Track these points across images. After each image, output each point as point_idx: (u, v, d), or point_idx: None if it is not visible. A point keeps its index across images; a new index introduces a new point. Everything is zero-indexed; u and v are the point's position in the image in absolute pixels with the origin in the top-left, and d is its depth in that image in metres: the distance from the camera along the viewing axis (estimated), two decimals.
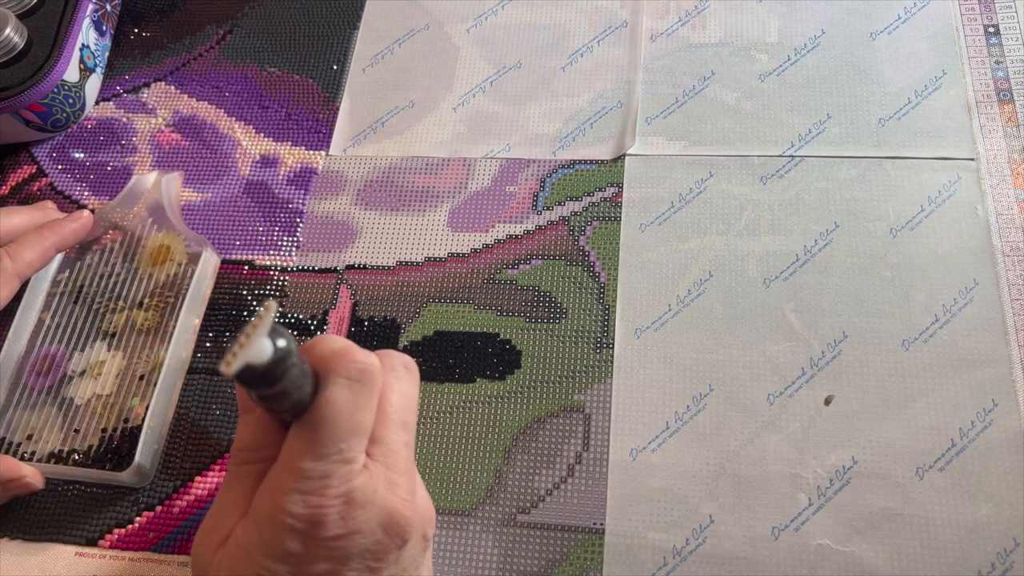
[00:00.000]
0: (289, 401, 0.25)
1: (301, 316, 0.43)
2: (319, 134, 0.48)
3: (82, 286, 0.44)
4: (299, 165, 0.47)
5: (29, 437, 0.40)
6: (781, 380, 0.38)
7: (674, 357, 0.39)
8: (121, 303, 0.43)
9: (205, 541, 0.27)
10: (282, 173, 0.47)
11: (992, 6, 0.46)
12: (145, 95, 0.51)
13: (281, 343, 0.23)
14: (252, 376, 0.23)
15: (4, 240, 0.42)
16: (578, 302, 0.41)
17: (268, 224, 0.45)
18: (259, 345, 0.22)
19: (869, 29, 0.46)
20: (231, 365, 0.22)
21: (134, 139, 0.49)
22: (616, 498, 0.36)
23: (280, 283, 0.44)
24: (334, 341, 0.27)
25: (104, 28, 0.51)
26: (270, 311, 0.22)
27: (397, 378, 0.29)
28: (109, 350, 0.42)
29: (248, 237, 0.45)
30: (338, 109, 0.49)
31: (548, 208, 0.44)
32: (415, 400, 0.29)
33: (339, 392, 0.25)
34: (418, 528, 0.27)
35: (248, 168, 0.47)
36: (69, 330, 0.42)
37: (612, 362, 0.39)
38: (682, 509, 0.36)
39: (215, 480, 0.39)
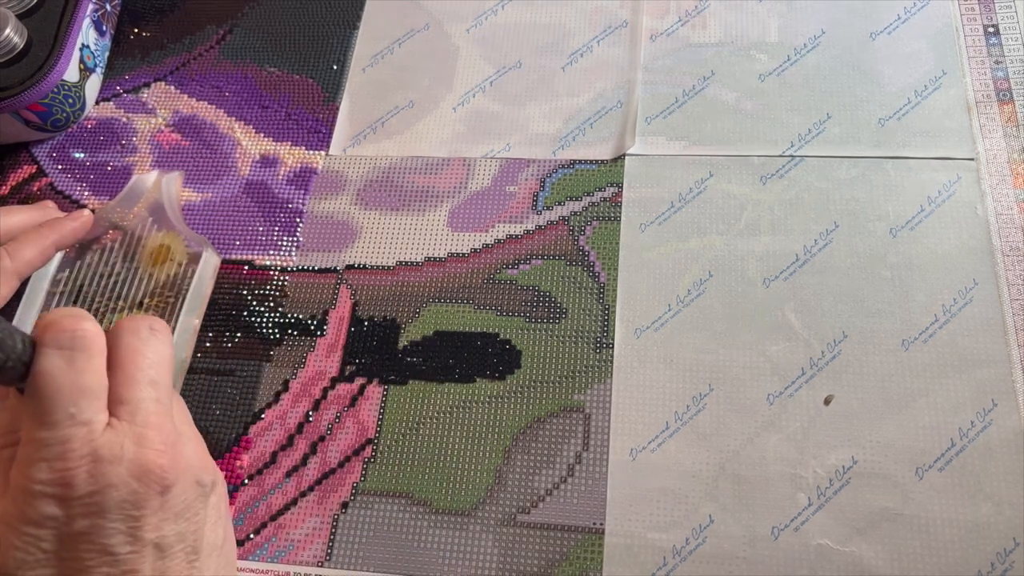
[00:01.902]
0: (6, 379, 0.26)
1: (301, 316, 0.43)
2: (319, 134, 0.48)
3: (82, 286, 0.44)
4: (299, 165, 0.47)
5: None
6: (781, 380, 0.38)
7: (674, 357, 0.39)
8: (121, 303, 0.43)
9: None
10: (282, 173, 0.47)
11: (992, 6, 0.46)
12: (145, 95, 0.51)
13: None
14: None
15: (4, 239, 0.42)
16: (578, 302, 0.41)
17: (268, 224, 0.45)
18: None
19: (869, 29, 0.46)
20: None
21: (134, 139, 0.49)
22: (616, 498, 0.36)
23: (280, 283, 0.44)
24: (53, 312, 0.28)
25: (104, 28, 0.51)
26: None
27: (142, 339, 0.30)
28: None
29: (248, 237, 0.45)
30: (338, 109, 0.49)
31: (548, 208, 0.44)
32: (166, 358, 0.30)
33: (50, 362, 0.27)
34: (182, 475, 0.28)
35: (248, 168, 0.47)
36: None
37: (612, 362, 0.39)
38: (682, 509, 0.36)
39: None
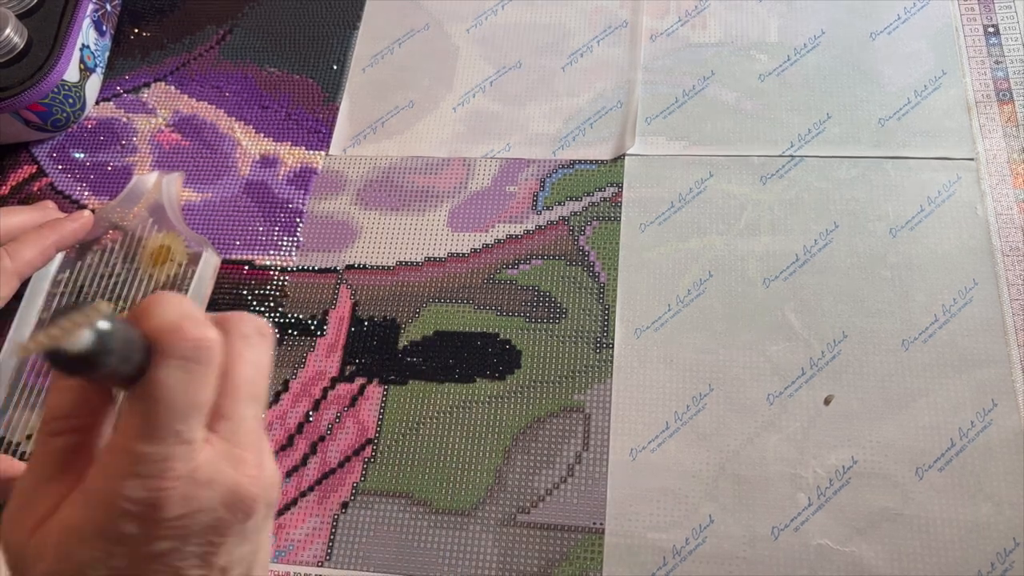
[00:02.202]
0: (115, 379, 0.24)
1: (301, 316, 0.43)
2: (319, 134, 0.48)
3: (82, 286, 0.44)
4: (299, 165, 0.47)
5: (29, 437, 0.40)
6: (781, 380, 0.38)
7: (674, 357, 0.39)
8: (121, 303, 0.43)
9: (16, 523, 0.25)
10: (282, 173, 0.47)
11: (992, 6, 0.46)
12: (145, 95, 0.51)
13: (106, 327, 0.22)
14: (64, 361, 0.21)
15: (4, 239, 0.42)
16: (578, 302, 0.41)
17: (268, 224, 0.45)
18: (76, 335, 0.21)
19: (869, 29, 0.46)
20: (29, 349, 0.20)
21: (134, 139, 0.49)
22: (616, 498, 0.36)
23: (280, 283, 0.44)
24: (167, 310, 0.25)
25: (104, 28, 0.51)
26: (99, 313, 0.21)
27: (249, 346, 0.27)
28: None
29: (248, 237, 0.45)
30: (338, 109, 0.49)
31: (548, 208, 0.44)
32: (267, 368, 0.28)
33: (171, 374, 0.24)
34: (263, 501, 0.26)
35: (248, 168, 0.47)
36: None
37: (612, 362, 0.39)
38: (682, 509, 0.36)
39: None
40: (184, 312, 0.25)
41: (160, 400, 0.24)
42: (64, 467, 0.26)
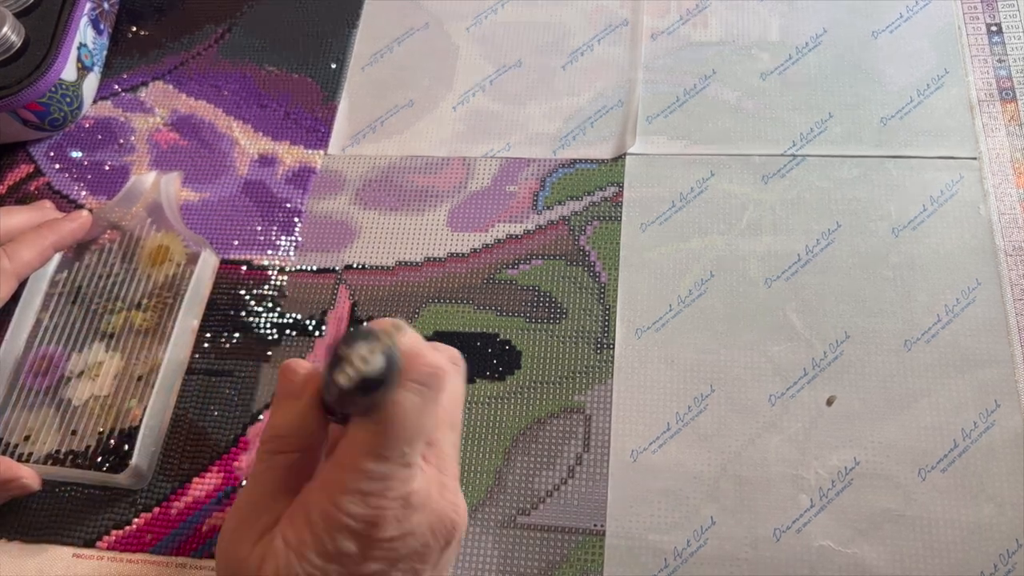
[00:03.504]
0: (366, 404, 0.25)
1: (299, 316, 0.42)
2: (318, 133, 0.48)
3: (80, 286, 0.43)
4: (298, 164, 0.47)
5: (26, 438, 0.40)
6: (783, 380, 0.38)
7: (675, 357, 0.39)
8: (119, 304, 0.43)
9: (238, 537, 0.26)
10: (281, 172, 0.47)
11: (994, 4, 0.46)
12: (143, 94, 0.50)
13: (393, 352, 0.23)
14: (367, 386, 0.23)
15: (2, 240, 0.42)
16: (578, 302, 0.41)
17: (266, 224, 0.45)
18: (374, 362, 0.23)
19: (871, 28, 0.46)
20: (351, 378, 0.22)
21: (132, 138, 0.49)
22: (617, 499, 0.36)
23: (278, 283, 0.43)
24: (403, 336, 0.26)
25: (102, 27, 0.51)
26: (401, 330, 0.23)
27: (448, 376, 0.28)
28: (107, 351, 0.41)
29: (246, 237, 0.45)
30: (337, 108, 0.48)
31: (548, 208, 0.44)
32: (463, 397, 0.29)
33: (409, 397, 0.25)
34: (462, 529, 0.27)
35: (246, 167, 0.47)
36: (67, 331, 0.42)
37: (613, 362, 0.39)
38: (683, 510, 0.36)
39: (213, 482, 0.39)
40: (418, 339, 0.27)
41: (396, 421, 0.25)
42: (283, 486, 0.27)
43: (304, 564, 0.25)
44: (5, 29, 0.44)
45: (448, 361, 0.29)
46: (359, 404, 0.25)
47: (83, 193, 0.47)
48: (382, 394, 0.24)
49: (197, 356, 0.42)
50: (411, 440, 0.25)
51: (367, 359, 0.22)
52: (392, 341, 0.23)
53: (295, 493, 0.27)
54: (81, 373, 0.41)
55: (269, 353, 0.41)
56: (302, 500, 0.26)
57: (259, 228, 0.45)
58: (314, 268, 0.44)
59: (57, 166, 0.48)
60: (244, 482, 0.38)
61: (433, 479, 0.26)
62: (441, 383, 0.26)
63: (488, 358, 0.40)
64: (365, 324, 0.24)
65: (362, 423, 0.25)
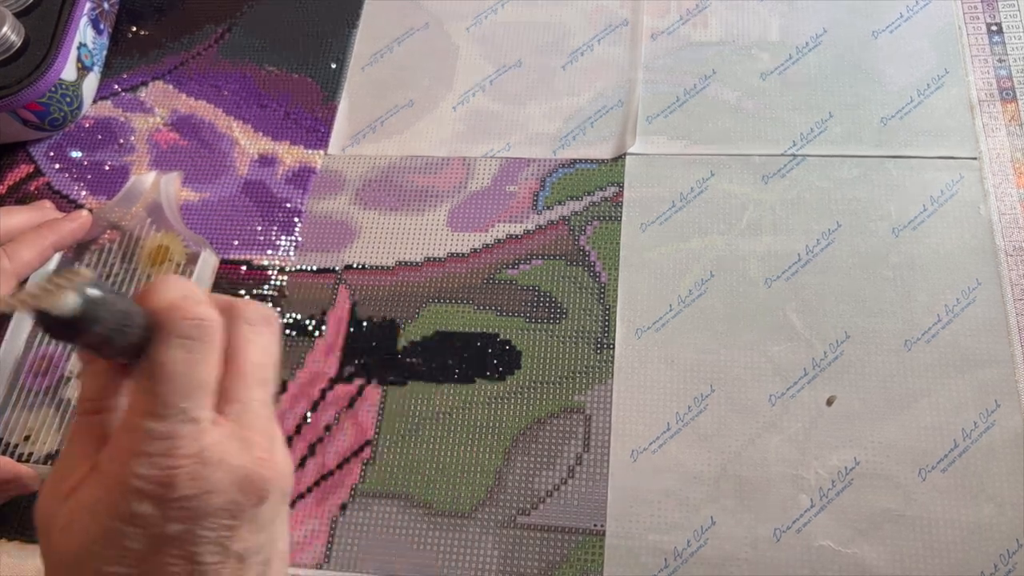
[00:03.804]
0: (114, 349, 0.24)
1: (299, 316, 0.42)
2: (318, 133, 0.48)
3: None
4: (298, 164, 0.47)
5: (26, 438, 0.40)
6: (783, 380, 0.38)
7: (675, 357, 0.39)
8: None
9: (49, 494, 0.26)
10: (281, 172, 0.47)
11: (995, 4, 0.45)
12: (143, 94, 0.50)
13: (95, 294, 0.22)
14: (48, 323, 0.22)
15: (2, 240, 0.41)
16: (578, 302, 0.41)
17: (266, 224, 0.45)
18: (60, 298, 0.21)
19: (871, 28, 0.46)
20: (8, 304, 0.21)
21: (132, 138, 0.49)
22: (617, 499, 0.36)
23: (278, 283, 0.43)
24: (168, 289, 0.25)
25: (102, 27, 0.51)
26: (81, 276, 0.22)
27: (256, 332, 0.27)
28: None
29: (246, 237, 0.45)
30: (337, 108, 0.48)
31: (548, 208, 0.44)
32: (275, 355, 0.28)
33: (172, 352, 0.24)
34: (277, 486, 0.27)
35: (246, 167, 0.47)
36: None
37: (613, 362, 0.39)
38: (683, 510, 0.36)
39: None
40: (185, 292, 0.25)
41: (162, 377, 0.24)
42: (93, 445, 0.26)
43: (99, 526, 0.24)
44: (5, 29, 0.44)
45: (256, 316, 0.28)
46: (90, 348, 0.24)
47: (83, 193, 0.47)
48: (94, 343, 0.23)
49: None
50: (187, 395, 0.24)
51: (51, 292, 0.21)
52: (95, 287, 0.22)
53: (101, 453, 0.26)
54: (81, 373, 0.41)
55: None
56: (98, 464, 0.25)
57: (259, 228, 0.45)
58: (314, 268, 0.44)
59: (57, 166, 0.48)
60: None
61: (233, 435, 0.26)
62: (209, 334, 0.25)
63: (488, 358, 0.40)
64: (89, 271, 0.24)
65: (136, 383, 0.25)
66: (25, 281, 0.43)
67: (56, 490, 0.26)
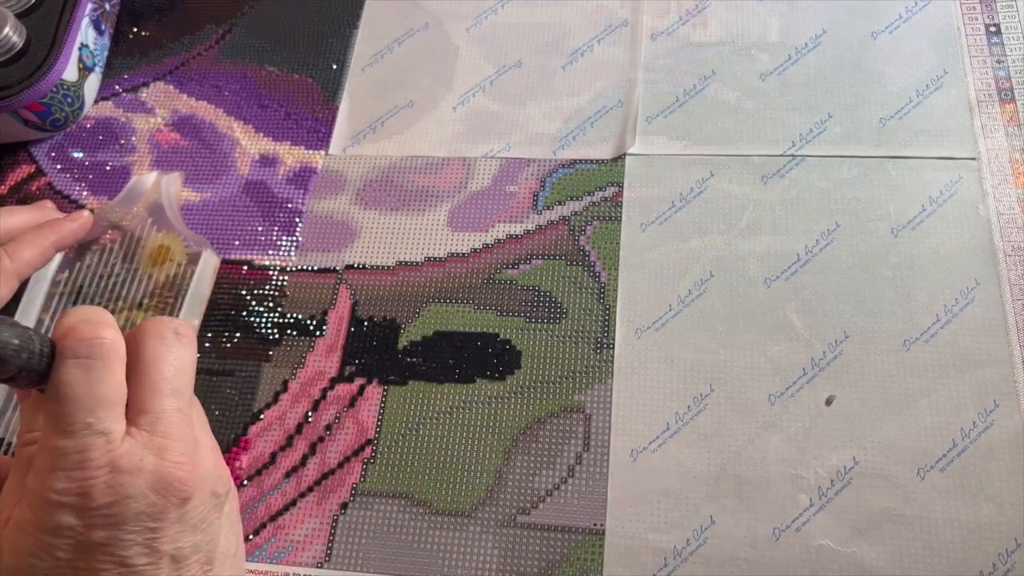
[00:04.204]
0: (25, 382, 0.26)
1: (300, 316, 0.42)
2: (318, 133, 0.48)
3: (81, 286, 0.44)
4: (298, 165, 0.47)
5: None
6: (782, 380, 0.38)
7: (675, 357, 0.39)
8: (120, 304, 0.43)
9: None
10: (281, 173, 0.47)
11: (993, 5, 0.46)
12: (144, 94, 0.50)
13: (3, 338, 0.24)
14: None
15: (3, 239, 0.42)
16: (578, 302, 0.41)
17: (267, 224, 0.45)
18: None
19: (870, 28, 0.46)
20: None
21: (133, 138, 0.49)
22: (616, 499, 0.36)
23: (279, 283, 0.44)
24: (69, 316, 0.27)
25: (103, 27, 0.51)
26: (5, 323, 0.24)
27: (166, 346, 0.29)
28: None
29: (247, 237, 0.45)
30: (338, 108, 0.48)
31: (548, 208, 0.44)
32: (189, 365, 0.30)
33: (68, 372, 0.26)
34: (200, 487, 0.28)
35: (247, 168, 0.47)
36: None
37: (612, 362, 0.39)
38: (683, 510, 0.36)
39: None
40: (86, 316, 0.28)
41: (64, 397, 0.26)
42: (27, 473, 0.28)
43: (32, 543, 0.26)
44: (7, 30, 0.44)
45: (167, 330, 0.29)
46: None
47: (84, 193, 0.47)
48: (8, 378, 0.26)
49: (198, 356, 0.42)
50: (91, 411, 0.26)
51: None
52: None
53: None
54: None
55: (270, 353, 0.42)
56: (25, 484, 0.27)
57: (260, 228, 0.45)
58: (315, 268, 0.44)
59: (58, 166, 0.48)
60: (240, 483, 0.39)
61: (147, 443, 0.27)
62: (105, 352, 0.27)
63: (488, 358, 0.40)
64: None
65: (45, 404, 0.27)
66: (27, 282, 0.43)
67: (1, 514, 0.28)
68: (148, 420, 0.28)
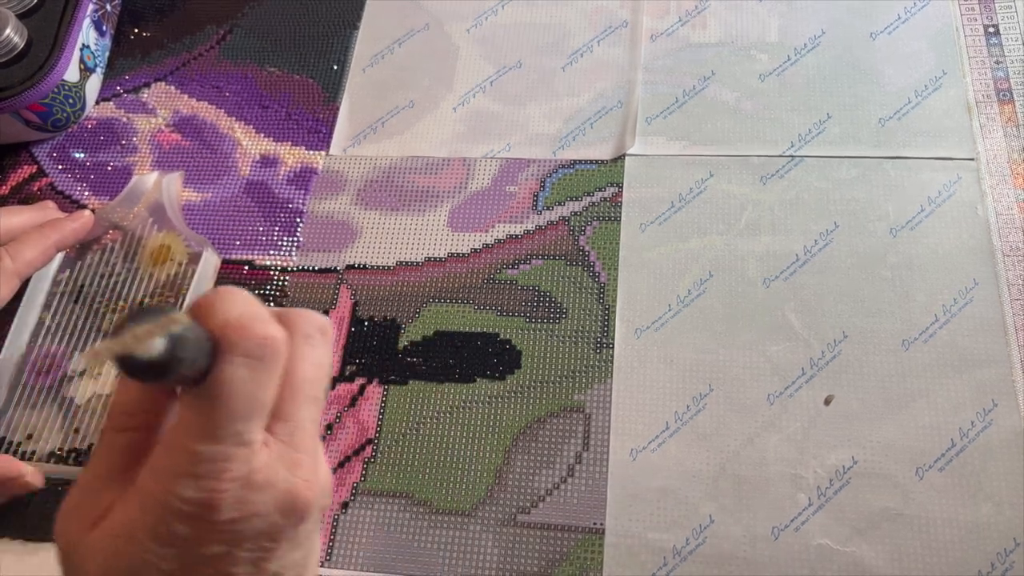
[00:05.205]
0: (182, 382, 0.23)
1: (148, 301, 0.42)
2: (319, 134, 0.48)
3: (83, 286, 0.44)
4: (299, 165, 0.47)
5: (29, 436, 0.40)
6: (781, 380, 0.38)
7: (674, 357, 0.39)
8: (121, 303, 0.43)
9: (73, 519, 0.25)
10: (282, 173, 0.47)
11: (992, 6, 0.46)
12: (145, 95, 0.51)
13: (178, 331, 0.21)
14: (135, 368, 0.21)
15: (5, 239, 0.42)
16: (578, 302, 0.41)
17: (268, 224, 0.45)
18: (149, 343, 0.20)
19: (869, 29, 0.46)
20: (100, 355, 0.20)
21: (134, 139, 0.49)
22: (616, 498, 0.36)
23: (280, 283, 0.44)
24: (232, 306, 0.24)
25: (104, 28, 0.51)
26: (177, 323, 0.21)
27: (311, 345, 0.26)
28: None
29: (248, 237, 0.45)
30: (338, 109, 0.49)
31: (548, 208, 0.44)
32: (328, 369, 0.27)
33: (236, 372, 0.23)
34: (317, 506, 0.26)
35: (248, 168, 0.47)
36: (69, 330, 0.42)
37: (612, 362, 0.39)
38: (682, 509, 0.36)
39: None
40: (249, 309, 0.24)
41: (223, 399, 0.23)
42: (125, 465, 0.25)
43: (136, 550, 0.23)
44: (8, 31, 0.45)
45: (312, 327, 0.26)
46: (160, 382, 0.23)
47: (86, 193, 0.47)
48: (172, 380, 0.22)
49: None
50: (245, 417, 0.23)
51: (140, 338, 0.20)
52: (181, 327, 0.21)
53: (134, 474, 0.25)
54: (83, 372, 0.41)
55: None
56: (137, 484, 0.24)
57: (261, 228, 0.45)
58: (316, 268, 0.44)
59: (60, 167, 0.48)
60: None
61: (281, 456, 0.24)
62: (275, 355, 0.24)
63: (488, 358, 0.40)
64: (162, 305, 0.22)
65: (191, 400, 0.23)
66: (28, 281, 0.43)
67: (81, 514, 0.25)
68: (286, 429, 0.25)
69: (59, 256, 0.44)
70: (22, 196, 0.48)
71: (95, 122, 0.50)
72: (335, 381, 0.41)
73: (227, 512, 0.23)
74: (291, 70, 0.50)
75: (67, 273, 0.44)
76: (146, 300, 0.43)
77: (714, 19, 0.48)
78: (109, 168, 0.48)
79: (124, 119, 0.50)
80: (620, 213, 0.43)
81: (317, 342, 0.26)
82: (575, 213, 0.43)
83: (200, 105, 0.50)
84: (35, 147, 0.49)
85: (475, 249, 0.43)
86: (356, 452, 0.39)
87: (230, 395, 0.23)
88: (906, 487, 0.35)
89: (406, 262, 0.43)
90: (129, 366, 0.20)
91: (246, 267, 0.44)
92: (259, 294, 0.43)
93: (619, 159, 0.44)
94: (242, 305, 0.24)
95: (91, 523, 0.24)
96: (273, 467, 0.24)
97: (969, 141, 0.42)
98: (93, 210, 0.45)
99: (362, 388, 0.40)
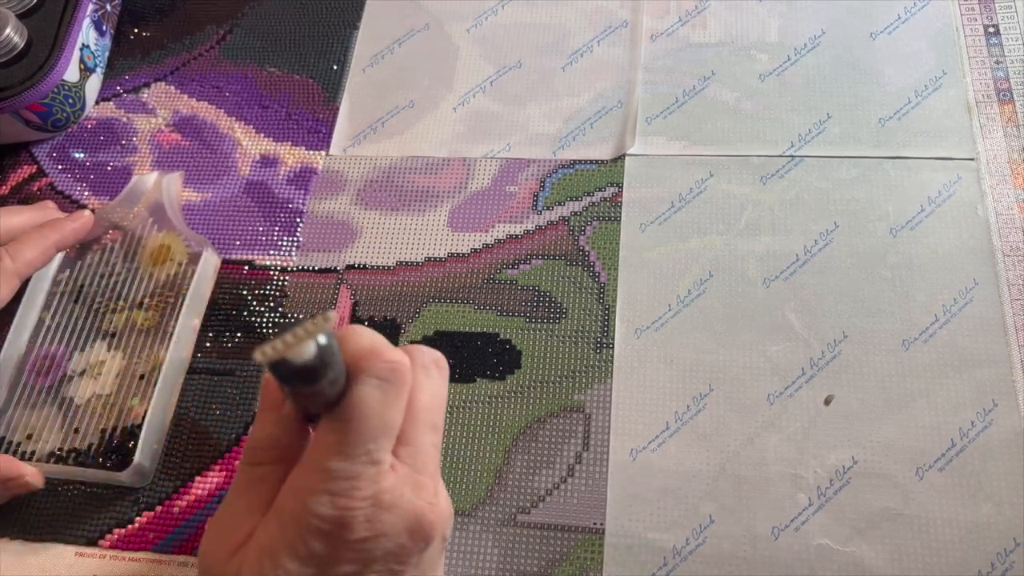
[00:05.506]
0: (322, 399, 0.25)
1: (301, 316, 0.43)
2: (319, 134, 0.48)
3: (82, 286, 0.44)
4: (299, 165, 0.47)
5: (29, 436, 0.40)
6: (781, 380, 0.38)
7: (674, 357, 0.39)
8: (121, 303, 0.43)
9: (217, 546, 0.26)
10: (282, 173, 0.47)
11: (992, 6, 0.46)
12: (145, 95, 0.51)
13: (325, 341, 0.22)
14: (289, 372, 0.22)
15: (4, 239, 0.42)
16: (578, 302, 0.41)
17: (268, 224, 0.45)
18: (304, 347, 0.22)
19: (869, 29, 0.46)
20: (266, 355, 0.21)
21: (134, 139, 0.49)
22: (616, 498, 0.36)
23: (280, 283, 0.44)
24: (363, 336, 0.26)
25: (104, 28, 0.51)
26: (329, 321, 0.22)
27: (428, 376, 0.28)
28: (109, 350, 0.42)
29: (248, 237, 0.45)
30: (338, 109, 0.49)
31: (548, 208, 0.44)
32: (444, 399, 0.29)
33: (369, 392, 0.25)
34: (440, 531, 0.27)
35: (248, 168, 0.47)
36: (69, 330, 0.42)
37: (612, 362, 0.39)
38: (682, 509, 0.36)
39: (215, 480, 0.39)
40: (378, 339, 0.26)
41: (357, 417, 0.25)
42: (263, 497, 0.26)
43: (273, 566, 0.25)
44: (8, 30, 0.45)
45: (429, 360, 0.29)
46: (303, 397, 0.25)
47: (85, 193, 0.47)
48: (316, 390, 0.24)
49: (199, 355, 0.42)
50: (375, 437, 0.25)
51: (290, 344, 0.21)
52: (322, 330, 0.22)
53: (271, 503, 0.27)
54: (83, 372, 0.41)
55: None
56: (275, 505, 0.26)
57: (261, 228, 0.45)
58: (316, 268, 0.44)
59: (60, 167, 0.48)
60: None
61: (407, 479, 0.26)
62: (402, 378, 0.26)
63: (488, 358, 0.40)
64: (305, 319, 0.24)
65: (327, 423, 0.25)
66: (28, 281, 0.43)
67: (225, 541, 0.26)
68: (409, 453, 0.27)
69: (59, 256, 0.44)
70: (22, 196, 0.48)
71: (95, 122, 0.50)
72: None
73: (359, 531, 0.25)
74: (291, 70, 0.50)
75: (67, 273, 0.44)
76: (146, 300, 0.43)
77: (714, 19, 0.48)
78: (109, 168, 0.48)
79: (124, 119, 0.50)
80: (620, 213, 0.43)
81: (434, 373, 0.28)
82: (575, 213, 0.43)
83: (200, 105, 0.50)
84: (35, 147, 0.49)
85: (475, 249, 0.43)
86: None
87: (362, 414, 0.25)
88: (906, 487, 0.35)
89: (406, 262, 0.43)
90: (282, 370, 0.22)
91: (246, 267, 0.44)
92: (259, 294, 0.43)
93: (619, 159, 0.45)
94: (370, 336, 0.26)
95: (233, 549, 0.26)
96: (399, 489, 0.26)
97: (969, 141, 0.42)
98: (93, 210, 0.45)
99: None
